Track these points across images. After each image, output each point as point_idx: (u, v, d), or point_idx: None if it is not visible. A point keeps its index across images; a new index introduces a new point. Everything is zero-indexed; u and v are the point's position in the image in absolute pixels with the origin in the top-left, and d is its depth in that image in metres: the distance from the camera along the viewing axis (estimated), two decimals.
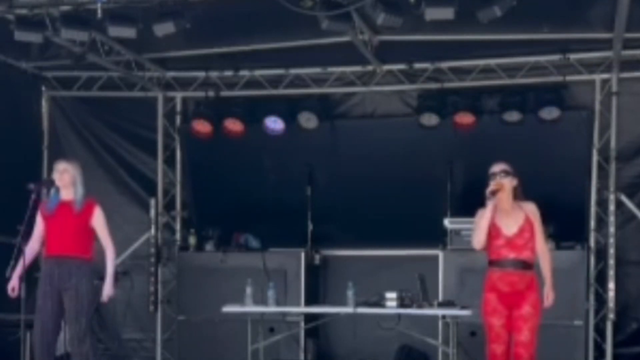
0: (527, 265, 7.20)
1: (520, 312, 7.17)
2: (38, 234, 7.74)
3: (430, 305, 8.72)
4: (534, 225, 7.23)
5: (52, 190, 7.67)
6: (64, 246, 7.56)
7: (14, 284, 7.57)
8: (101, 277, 8.26)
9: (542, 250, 7.29)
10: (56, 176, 7.63)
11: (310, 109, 10.88)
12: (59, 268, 7.53)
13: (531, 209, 7.28)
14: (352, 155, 10.81)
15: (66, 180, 7.61)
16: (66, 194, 7.65)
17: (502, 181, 7.20)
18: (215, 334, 10.37)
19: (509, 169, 7.28)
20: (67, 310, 7.58)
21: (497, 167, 7.27)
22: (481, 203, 7.33)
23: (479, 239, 7.25)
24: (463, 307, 8.69)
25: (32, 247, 7.72)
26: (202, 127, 11.11)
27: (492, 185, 7.21)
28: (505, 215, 7.25)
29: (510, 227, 7.20)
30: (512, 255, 7.17)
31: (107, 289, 7.72)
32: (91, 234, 7.71)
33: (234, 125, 11.05)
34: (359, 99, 11.12)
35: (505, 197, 7.22)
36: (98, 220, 7.72)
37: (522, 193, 7.32)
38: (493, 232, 7.23)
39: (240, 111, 11.06)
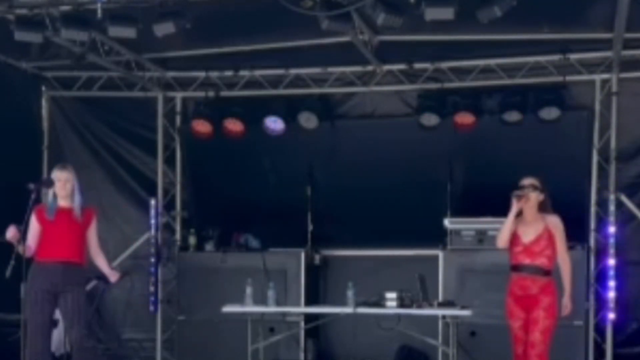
0: (541, 271, 7.52)
1: (533, 315, 7.50)
2: (35, 236, 7.67)
3: (430, 305, 8.72)
4: (553, 236, 7.53)
5: (51, 197, 7.68)
6: (65, 252, 7.61)
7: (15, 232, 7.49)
8: (98, 277, 8.36)
9: (564, 260, 7.60)
10: (58, 185, 7.66)
11: (310, 109, 10.89)
12: (59, 272, 7.56)
13: (553, 221, 7.59)
14: (352, 155, 10.80)
15: (68, 190, 7.69)
16: (64, 202, 7.71)
17: (530, 195, 7.51)
18: (215, 334, 10.37)
19: (538, 184, 7.60)
20: (65, 314, 7.66)
21: (526, 181, 7.59)
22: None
23: (501, 237, 7.59)
24: (463, 307, 8.70)
25: (30, 248, 7.65)
26: (202, 127, 11.11)
27: (521, 191, 7.50)
28: (526, 225, 7.59)
29: (528, 235, 7.56)
30: (527, 260, 7.54)
31: (112, 274, 7.95)
32: (86, 241, 7.80)
33: (234, 125, 11.04)
34: (359, 99, 11.11)
35: (529, 209, 7.56)
36: (94, 229, 7.86)
37: (549, 207, 7.62)
38: (514, 240, 7.60)
39: (240, 111, 11.05)
